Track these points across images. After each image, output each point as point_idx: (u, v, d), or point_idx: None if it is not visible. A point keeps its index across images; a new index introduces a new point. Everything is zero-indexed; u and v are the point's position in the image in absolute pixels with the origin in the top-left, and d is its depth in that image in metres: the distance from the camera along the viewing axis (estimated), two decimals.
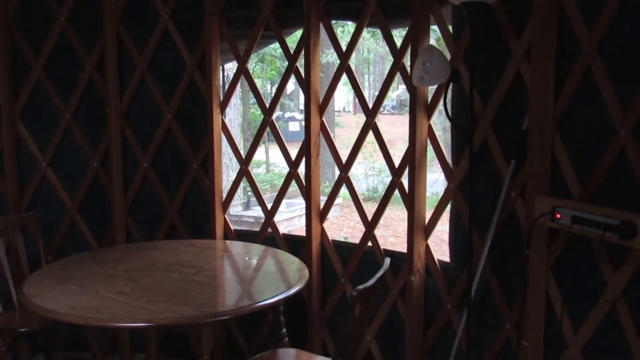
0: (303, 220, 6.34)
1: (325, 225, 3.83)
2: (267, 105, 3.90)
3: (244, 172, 4.00)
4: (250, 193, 5.84)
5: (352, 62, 3.96)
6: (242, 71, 3.91)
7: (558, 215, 2.71)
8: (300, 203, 5.16)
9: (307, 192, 3.73)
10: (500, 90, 3.05)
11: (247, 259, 3.45)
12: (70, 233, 4.24)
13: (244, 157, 4.02)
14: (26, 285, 2.80)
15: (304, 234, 3.79)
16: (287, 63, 3.79)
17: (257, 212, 5.44)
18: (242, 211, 6.26)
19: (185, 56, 3.97)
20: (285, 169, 13.78)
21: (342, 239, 8.74)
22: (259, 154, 14.38)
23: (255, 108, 14.72)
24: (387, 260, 2.87)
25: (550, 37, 2.80)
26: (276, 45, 3.86)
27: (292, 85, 19.45)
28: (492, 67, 3.08)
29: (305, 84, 3.65)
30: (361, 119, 3.64)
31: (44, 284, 2.82)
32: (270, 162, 15.03)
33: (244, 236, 4.02)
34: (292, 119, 17.87)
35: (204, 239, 3.99)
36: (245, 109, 13.80)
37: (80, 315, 2.45)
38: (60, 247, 4.22)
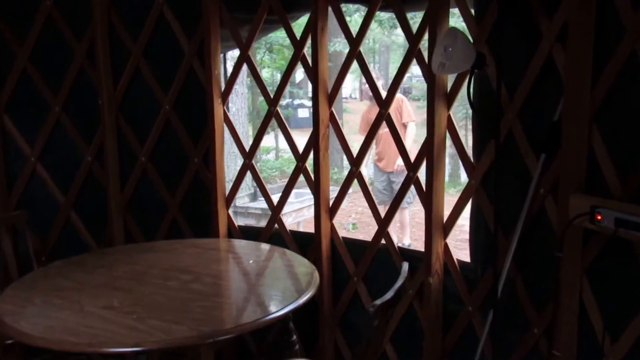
0: (312, 211, 5.95)
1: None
2: (272, 96, 3.49)
3: (247, 166, 3.60)
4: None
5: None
6: (245, 59, 3.50)
7: (599, 217, 2.31)
8: (309, 193, 4.73)
9: (315, 187, 3.33)
10: (529, 77, 2.64)
11: (251, 261, 3.05)
12: (65, 231, 3.85)
13: (247, 150, 3.62)
14: (1, 298, 2.39)
15: (312, 227, 3.40)
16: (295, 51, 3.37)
17: (264, 203, 5.02)
18: (249, 202, 5.84)
19: (183, 43, 3.57)
20: (287, 151, 13.47)
21: (351, 225, 8.40)
22: (269, 140, 13.90)
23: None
24: (405, 266, 2.47)
25: (589, 15, 2.39)
26: (284, 34, 3.43)
27: (300, 74, 19.03)
28: (519, 51, 2.68)
29: (313, 72, 3.24)
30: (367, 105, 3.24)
31: (21, 297, 2.39)
32: (279, 149, 14.56)
33: (249, 233, 3.64)
34: (301, 105, 17.39)
35: (207, 235, 3.62)
36: (255, 98, 13.29)
37: (56, 339, 2.02)
38: (54, 246, 3.83)
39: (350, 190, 3.65)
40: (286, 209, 3.94)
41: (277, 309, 2.30)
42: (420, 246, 3.11)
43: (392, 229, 6.18)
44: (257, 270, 2.93)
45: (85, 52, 3.68)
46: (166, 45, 3.61)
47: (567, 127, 2.48)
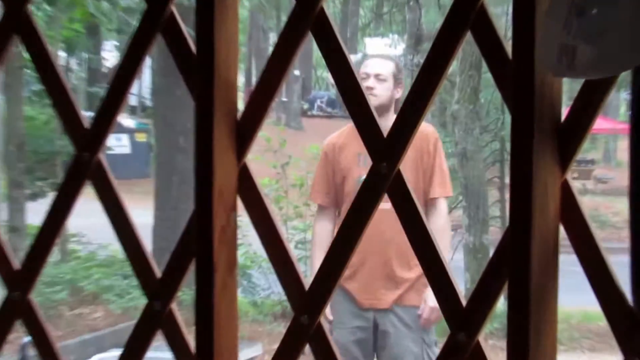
0: None
1: None
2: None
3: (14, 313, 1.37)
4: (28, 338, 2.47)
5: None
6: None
7: None
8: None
9: None
10: None
11: None
12: None
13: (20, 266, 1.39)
14: None
15: None
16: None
17: None
18: None
19: None
20: (105, 241, 6.04)
21: None
22: (39, 209, 6.56)
23: (33, 104, 7.40)
24: None
25: None
26: None
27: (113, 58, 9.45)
28: None
29: (201, 64, 1.19)
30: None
31: None
32: (69, 232, 6.35)
33: None
34: (117, 129, 8.14)
35: None
36: (14, 107, 6.28)
37: None
38: None
39: None
40: None
41: None
42: None
43: None
44: None
45: None
46: None
47: None
